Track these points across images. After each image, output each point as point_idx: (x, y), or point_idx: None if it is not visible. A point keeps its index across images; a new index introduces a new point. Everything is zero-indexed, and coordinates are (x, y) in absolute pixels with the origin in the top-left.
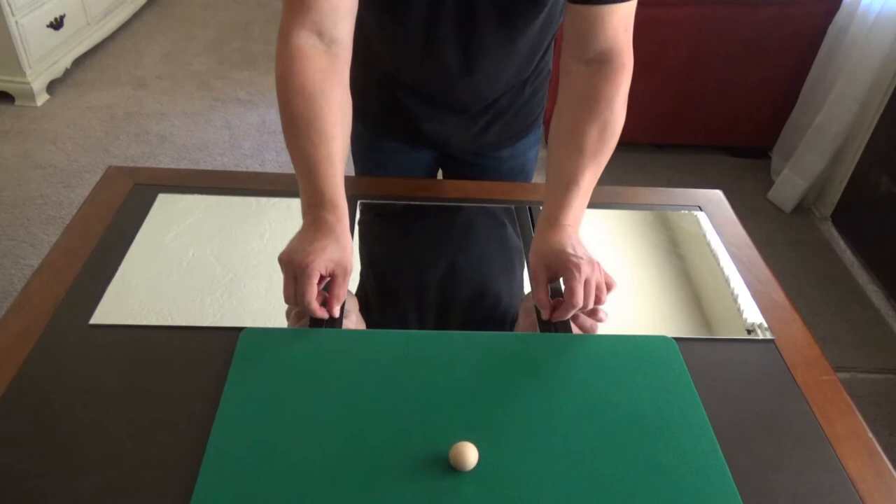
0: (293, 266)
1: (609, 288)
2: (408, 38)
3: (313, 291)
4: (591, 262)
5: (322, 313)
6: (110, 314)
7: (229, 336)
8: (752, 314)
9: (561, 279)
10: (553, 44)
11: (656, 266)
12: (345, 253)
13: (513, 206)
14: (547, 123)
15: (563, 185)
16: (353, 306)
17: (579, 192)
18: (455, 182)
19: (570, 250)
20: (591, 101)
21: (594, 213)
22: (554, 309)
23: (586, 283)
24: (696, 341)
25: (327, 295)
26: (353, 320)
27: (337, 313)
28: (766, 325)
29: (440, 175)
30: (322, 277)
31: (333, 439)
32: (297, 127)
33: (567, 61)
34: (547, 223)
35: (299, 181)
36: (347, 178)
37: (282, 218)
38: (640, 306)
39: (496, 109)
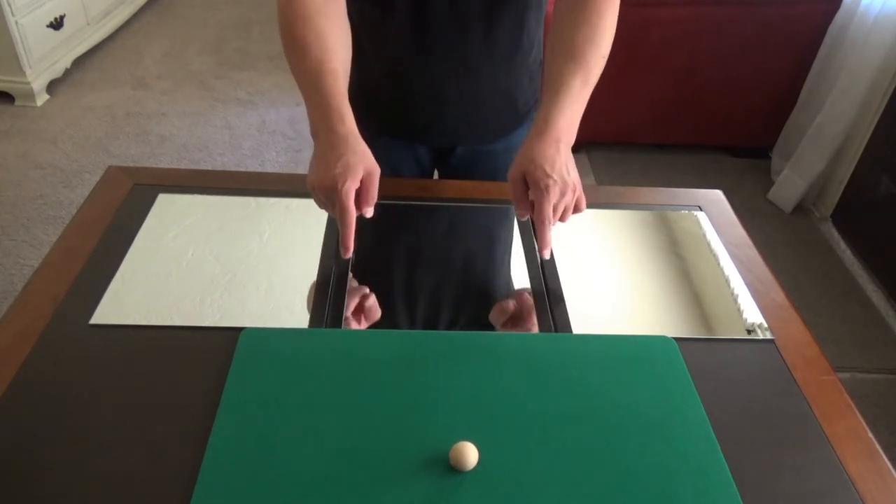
0: (325, 192)
1: (577, 210)
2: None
3: (347, 208)
4: (566, 183)
5: (350, 245)
6: (110, 314)
7: (229, 336)
8: (752, 314)
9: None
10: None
11: (656, 266)
12: (366, 158)
13: (512, 207)
14: None
15: (553, 91)
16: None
17: (569, 95)
18: (455, 182)
19: (548, 168)
20: (581, 10)
21: (594, 212)
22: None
23: (555, 205)
24: (696, 341)
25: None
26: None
27: (371, 213)
28: (766, 325)
29: (435, 173)
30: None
31: (333, 439)
32: (300, 48)
33: None
34: (535, 130)
35: (305, 101)
36: None
37: (282, 218)
38: (640, 306)
39: (491, 95)
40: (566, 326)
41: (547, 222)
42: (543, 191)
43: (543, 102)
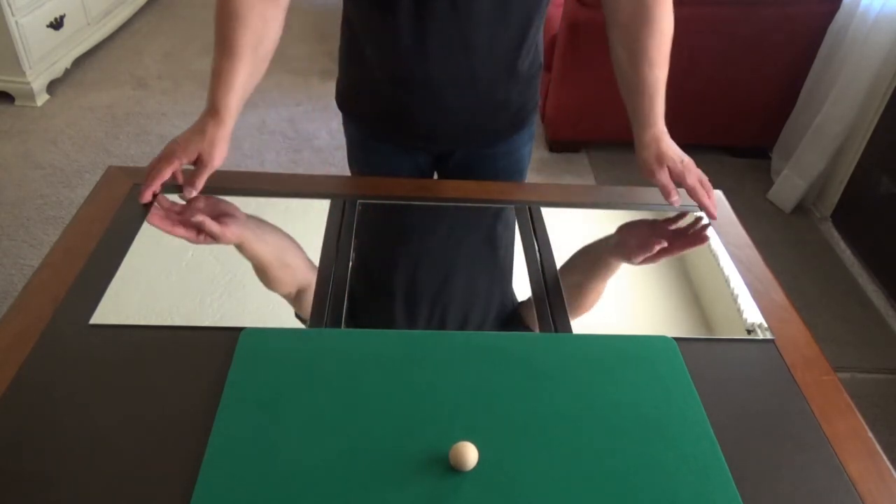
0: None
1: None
2: (398, 27)
3: (159, 168)
4: (693, 166)
5: (147, 195)
6: (110, 314)
7: (229, 336)
8: (752, 314)
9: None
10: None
11: (656, 266)
12: (207, 146)
13: (512, 207)
14: (544, 119)
15: (647, 96)
16: (235, 220)
17: (661, 98)
18: (455, 182)
19: (682, 156)
20: (647, 20)
21: (595, 212)
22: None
23: (700, 181)
24: (696, 341)
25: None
26: (231, 230)
27: (188, 195)
28: (766, 325)
29: (435, 176)
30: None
31: (333, 439)
32: (215, 43)
33: None
34: (650, 133)
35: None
36: (348, 179)
37: (282, 218)
38: (640, 306)
39: (491, 102)
40: (566, 326)
41: (709, 185)
42: (692, 170)
43: (643, 106)
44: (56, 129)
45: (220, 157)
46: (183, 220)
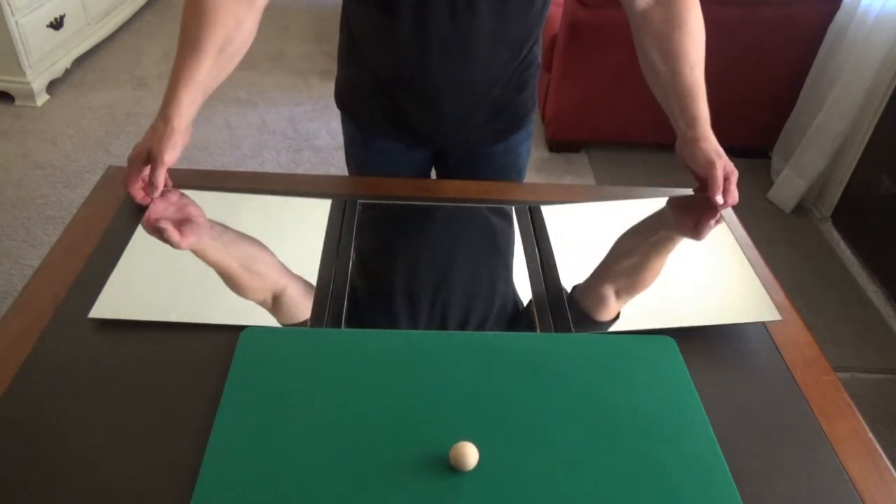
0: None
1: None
2: (399, 29)
3: (127, 182)
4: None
5: (137, 193)
6: (109, 314)
7: (230, 335)
8: (753, 314)
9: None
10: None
11: (656, 267)
12: (156, 142)
13: (512, 207)
14: (544, 119)
15: (691, 96)
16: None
17: (704, 95)
18: (455, 182)
19: (724, 156)
20: (679, 23)
21: (595, 210)
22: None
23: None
24: (697, 340)
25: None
26: (188, 239)
27: (152, 195)
28: (764, 323)
29: (433, 174)
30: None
31: (333, 439)
32: (179, 41)
33: (635, 4)
34: (701, 128)
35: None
36: (348, 179)
37: (282, 218)
38: (639, 306)
39: (490, 103)
40: (566, 326)
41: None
42: (734, 171)
43: (690, 106)
44: (56, 129)
45: (170, 153)
46: (153, 222)
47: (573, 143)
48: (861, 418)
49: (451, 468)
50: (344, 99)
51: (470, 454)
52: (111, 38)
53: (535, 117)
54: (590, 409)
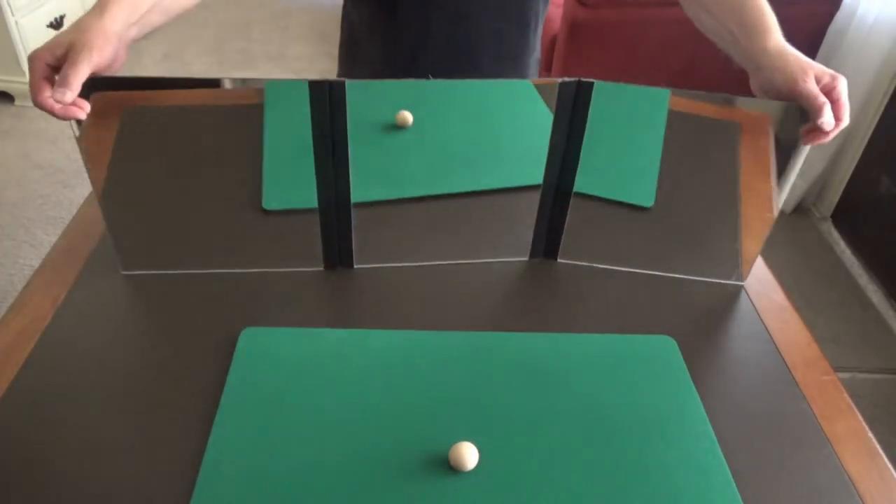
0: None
1: None
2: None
3: (39, 83)
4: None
5: (48, 102)
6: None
7: (229, 336)
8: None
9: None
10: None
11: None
12: (83, 35)
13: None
14: None
15: (755, 6)
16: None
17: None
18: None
19: (813, 64)
20: None
21: None
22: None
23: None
24: (697, 341)
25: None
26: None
27: (62, 97)
28: (765, 325)
29: None
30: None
31: (333, 439)
32: None
33: None
34: (773, 39)
35: None
36: None
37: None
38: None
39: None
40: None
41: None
42: (837, 76)
43: (753, 17)
44: (56, 129)
45: (99, 50)
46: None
47: None
48: (861, 418)
49: (451, 468)
50: None
51: (469, 454)
52: None
53: None
54: (590, 409)
